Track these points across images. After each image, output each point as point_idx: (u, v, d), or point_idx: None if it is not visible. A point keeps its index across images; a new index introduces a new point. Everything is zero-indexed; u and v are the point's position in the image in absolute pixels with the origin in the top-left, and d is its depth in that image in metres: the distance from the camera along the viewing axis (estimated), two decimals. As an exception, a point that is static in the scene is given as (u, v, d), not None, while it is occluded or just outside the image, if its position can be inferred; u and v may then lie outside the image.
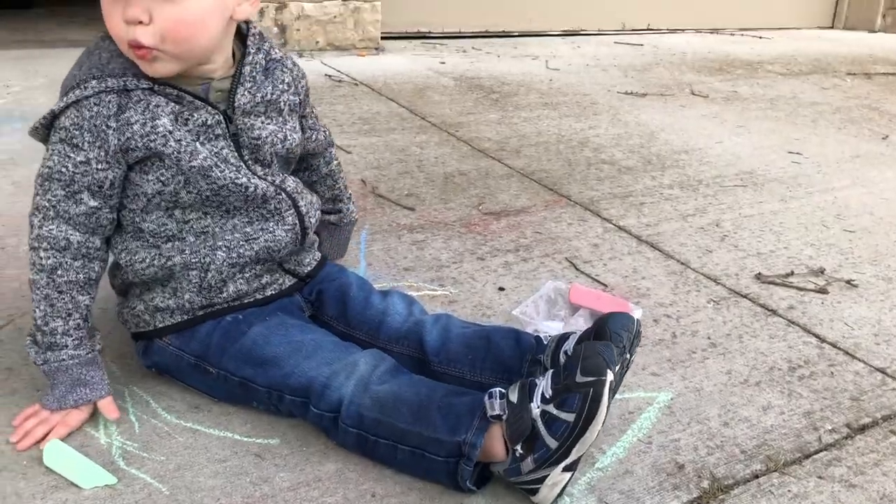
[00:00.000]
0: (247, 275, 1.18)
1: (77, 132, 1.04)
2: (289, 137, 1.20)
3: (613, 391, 0.99)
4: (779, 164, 2.48)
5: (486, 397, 1.02)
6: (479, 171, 2.24)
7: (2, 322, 1.35)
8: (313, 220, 1.25)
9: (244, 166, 1.14)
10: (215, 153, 1.11)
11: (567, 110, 2.97)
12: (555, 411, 0.97)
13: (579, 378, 0.96)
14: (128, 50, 1.04)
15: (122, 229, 1.15)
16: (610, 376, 0.96)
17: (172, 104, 1.07)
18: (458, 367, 1.18)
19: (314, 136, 1.36)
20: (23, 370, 1.22)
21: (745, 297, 1.62)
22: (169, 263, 1.13)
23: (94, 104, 1.03)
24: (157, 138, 1.06)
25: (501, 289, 1.58)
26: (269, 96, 1.17)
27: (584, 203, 2.06)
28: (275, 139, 1.18)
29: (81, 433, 1.10)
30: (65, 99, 1.04)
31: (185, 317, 1.17)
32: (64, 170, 1.04)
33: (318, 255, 1.31)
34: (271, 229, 1.18)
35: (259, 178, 1.16)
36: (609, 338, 1.08)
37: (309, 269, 1.27)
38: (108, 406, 1.12)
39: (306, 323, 1.21)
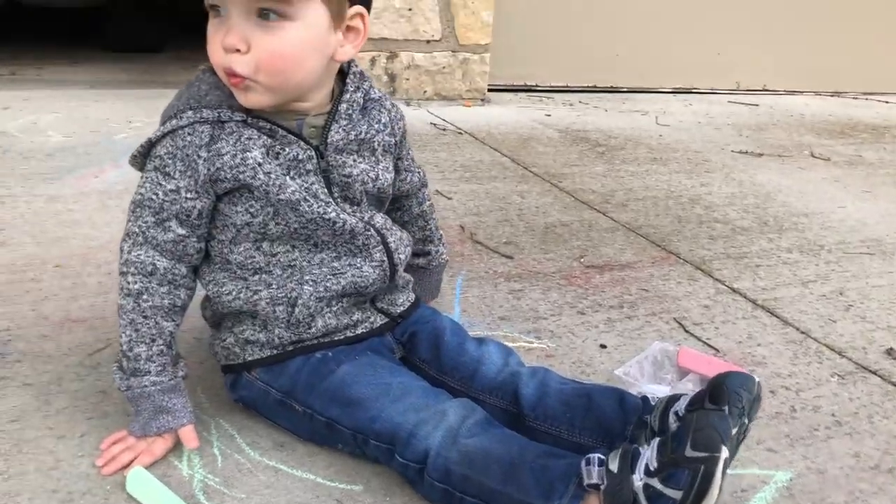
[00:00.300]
0: (334, 308, 1.15)
1: (170, 161, 1.05)
2: (380, 177, 1.18)
3: (727, 464, 0.89)
4: (910, 233, 2.30)
5: (584, 463, 0.94)
6: (581, 222, 2.17)
7: (101, 345, 1.36)
8: (403, 258, 1.22)
9: (333, 202, 1.13)
10: (305, 188, 1.10)
11: (677, 166, 2.87)
12: (659, 486, 0.88)
13: (689, 452, 0.88)
14: (225, 77, 1.05)
15: (210, 260, 1.15)
16: (725, 453, 0.87)
17: (265, 137, 1.07)
18: (556, 425, 1.10)
19: (408, 178, 1.34)
20: (115, 393, 1.22)
21: (874, 373, 1.48)
22: (255, 297, 1.12)
23: (188, 134, 1.04)
24: (247, 170, 1.06)
25: (603, 346, 1.50)
26: (363, 135, 1.15)
27: (695, 262, 1.96)
28: (366, 178, 1.16)
29: (165, 463, 1.08)
30: (161, 128, 1.06)
31: (275, 351, 1.14)
32: (154, 197, 1.06)
33: (412, 296, 1.27)
34: (358, 265, 1.16)
35: (348, 214, 1.14)
36: (727, 398, 0.97)
37: (402, 308, 1.23)
38: (188, 434, 1.10)
39: (396, 365, 1.16)
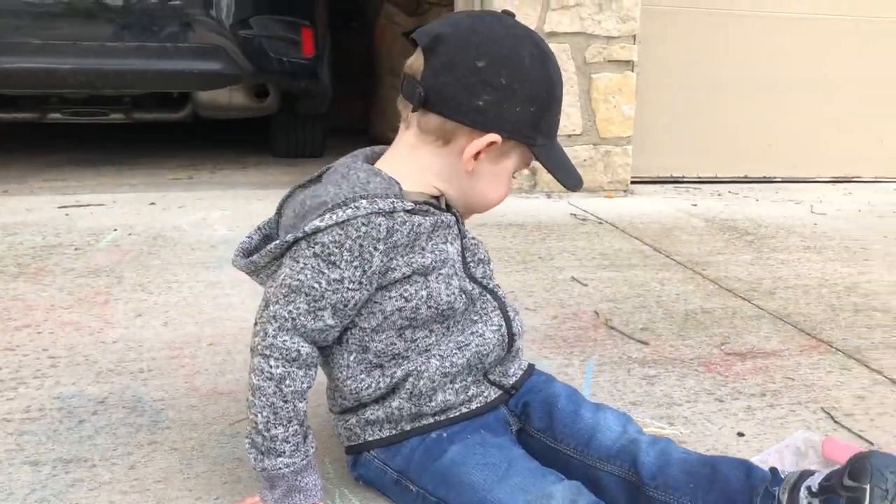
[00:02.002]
0: (456, 386, 1.17)
1: (336, 250, 1.04)
2: None
3: None
4: None
5: None
6: (724, 310, 2.09)
7: (243, 416, 1.44)
8: (520, 327, 1.23)
9: (463, 269, 1.18)
10: (458, 252, 1.17)
11: (833, 255, 2.72)
12: None
13: (846, 482, 0.89)
14: (489, 209, 1.21)
15: (344, 349, 1.15)
16: (884, 483, 0.87)
17: (428, 218, 1.13)
18: (677, 496, 1.06)
19: None
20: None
21: None
22: (392, 381, 1.15)
23: (363, 224, 1.04)
24: (416, 254, 1.11)
25: (741, 434, 1.42)
26: None
27: (849, 351, 1.83)
28: (484, 251, 1.25)
29: (289, 528, 1.12)
30: (332, 217, 1.04)
31: (394, 431, 1.17)
32: (316, 285, 1.05)
33: (524, 363, 1.26)
34: (480, 332, 1.17)
35: (475, 280, 1.19)
36: (869, 476, 0.92)
37: (514, 379, 1.23)
38: None
39: (508, 443, 1.15)
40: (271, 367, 1.07)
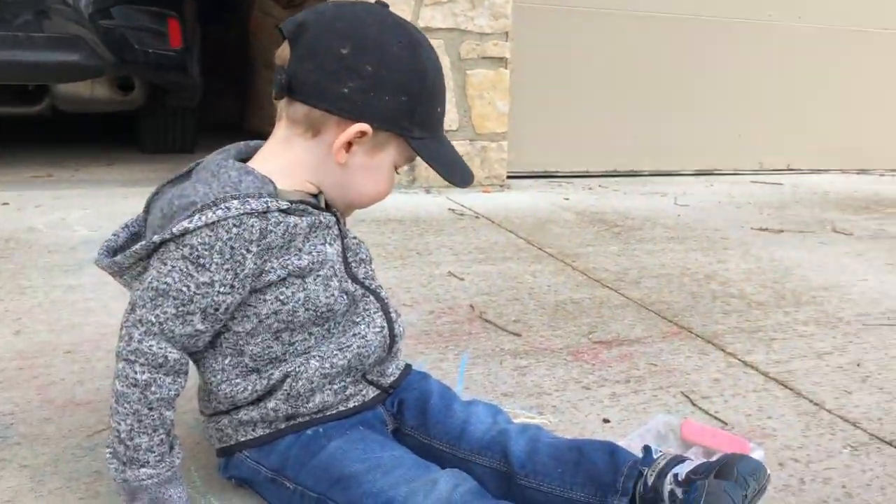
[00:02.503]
0: (335, 387, 1.15)
1: (206, 252, 1.01)
2: None
3: None
4: (933, 304, 2.24)
5: None
6: (592, 300, 2.16)
7: (101, 426, 1.37)
8: (401, 329, 1.22)
9: (344, 270, 1.16)
10: (338, 254, 1.14)
11: (694, 244, 2.86)
12: None
13: (711, 480, 0.90)
14: (369, 205, 1.19)
15: (218, 353, 1.12)
16: (744, 490, 0.89)
17: (304, 218, 1.10)
18: (547, 481, 1.09)
19: None
20: (109, 474, 1.22)
21: (889, 444, 1.42)
22: (269, 382, 1.12)
23: (234, 226, 1.01)
24: (291, 256, 1.08)
25: (606, 420, 1.47)
26: None
27: (707, 336, 1.93)
28: (366, 251, 1.24)
29: (150, 542, 1.07)
30: (202, 218, 1.00)
31: (268, 430, 1.14)
32: (184, 289, 1.01)
33: (401, 363, 1.26)
34: (362, 333, 1.16)
35: (358, 282, 1.17)
36: (734, 479, 0.98)
37: (392, 378, 1.23)
38: None
39: (387, 439, 1.16)
40: (136, 372, 1.02)
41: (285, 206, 1.07)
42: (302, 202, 1.11)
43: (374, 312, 1.18)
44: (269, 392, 1.12)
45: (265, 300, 1.08)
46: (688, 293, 2.27)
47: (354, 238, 1.21)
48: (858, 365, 1.78)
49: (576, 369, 1.69)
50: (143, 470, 1.04)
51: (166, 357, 1.03)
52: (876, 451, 1.39)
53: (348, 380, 1.16)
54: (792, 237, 3.05)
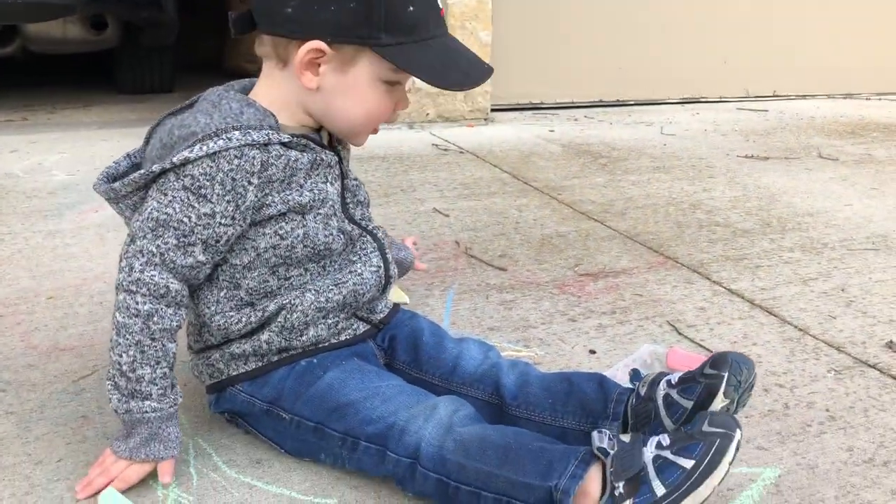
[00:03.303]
0: (329, 321, 1.15)
1: (207, 183, 1.00)
2: None
3: (738, 449, 0.93)
4: (918, 227, 2.25)
5: (595, 432, 0.97)
6: (578, 232, 2.15)
7: (87, 372, 1.36)
8: (394, 272, 1.23)
9: (341, 210, 1.15)
10: (338, 193, 1.13)
11: (680, 174, 2.84)
12: (672, 457, 0.91)
13: (707, 428, 0.92)
14: (369, 128, 1.13)
15: (214, 286, 1.11)
16: (739, 435, 0.92)
17: (306, 154, 1.08)
18: (538, 411, 1.10)
19: None
20: (96, 418, 1.22)
21: (872, 366, 1.43)
22: (264, 315, 1.11)
23: (235, 157, 1.00)
24: (293, 191, 1.06)
25: (593, 351, 1.47)
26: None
27: (693, 265, 1.93)
28: (364, 193, 1.22)
29: (141, 484, 1.07)
30: (202, 148, 0.99)
31: (260, 363, 1.14)
32: (185, 220, 1.00)
33: (390, 302, 1.26)
34: (359, 271, 1.16)
35: (355, 222, 1.17)
36: (728, 366, 1.03)
37: (381, 315, 1.23)
38: (167, 467, 1.07)
39: (382, 370, 1.16)
40: (138, 303, 1.01)
41: (286, 140, 1.05)
42: (304, 136, 1.09)
43: (371, 252, 1.18)
44: (263, 324, 1.12)
45: (264, 234, 1.07)
46: (673, 223, 2.26)
47: (355, 179, 1.19)
48: (843, 290, 1.79)
49: (562, 302, 1.69)
50: (146, 402, 1.04)
51: (168, 287, 1.02)
52: (859, 375, 1.40)
53: (341, 315, 1.16)
54: (778, 164, 3.04)
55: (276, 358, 1.14)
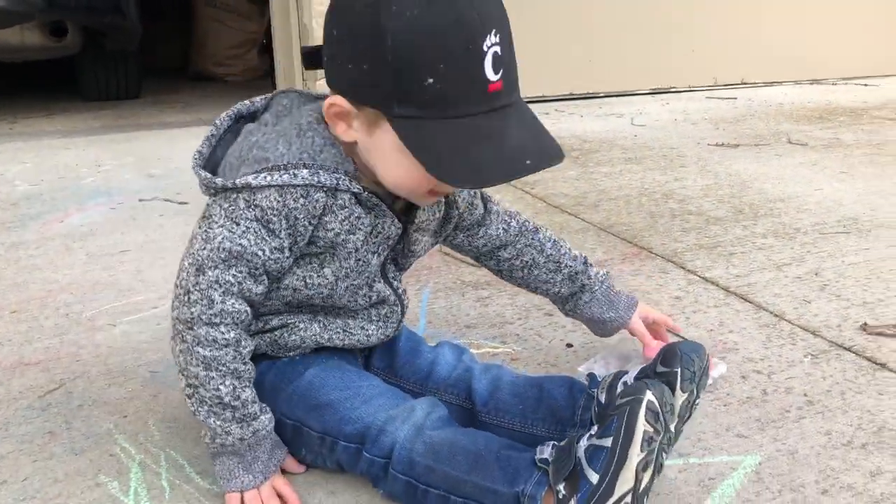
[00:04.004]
0: (317, 349, 1.13)
1: (275, 218, 0.97)
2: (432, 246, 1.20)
3: (655, 408, 0.92)
4: (887, 209, 2.26)
5: (539, 445, 0.96)
6: (552, 226, 2.14)
7: (53, 386, 1.33)
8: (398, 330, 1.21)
9: (380, 274, 1.11)
10: (379, 265, 1.08)
11: (652, 164, 2.84)
12: (596, 441, 0.91)
13: (619, 401, 0.92)
14: (418, 193, 1.00)
15: None
16: (648, 395, 0.90)
17: (371, 215, 1.02)
18: (508, 418, 1.09)
19: (479, 231, 1.26)
20: (64, 434, 1.19)
21: (848, 349, 1.44)
22: (264, 326, 1.09)
23: (301, 197, 0.96)
24: (343, 252, 1.03)
25: (570, 345, 1.46)
26: (440, 213, 1.14)
27: (667, 255, 1.92)
28: (424, 251, 1.17)
29: (109, 498, 1.05)
30: (269, 177, 0.95)
31: None
32: (260, 253, 0.98)
33: None
34: (369, 332, 1.14)
35: (388, 283, 1.13)
36: (679, 360, 1.00)
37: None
38: (290, 463, 1.07)
39: (362, 370, 1.15)
40: (223, 333, 0.98)
41: (357, 190, 0.99)
42: (375, 194, 1.02)
43: (390, 320, 1.16)
44: (258, 333, 1.10)
45: (294, 273, 1.04)
46: (647, 213, 2.26)
47: (412, 252, 1.13)
48: (816, 274, 1.79)
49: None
50: (261, 418, 1.02)
51: (246, 313, 1.00)
52: (836, 358, 1.40)
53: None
54: (748, 151, 3.05)
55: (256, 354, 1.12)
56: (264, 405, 1.05)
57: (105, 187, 2.54)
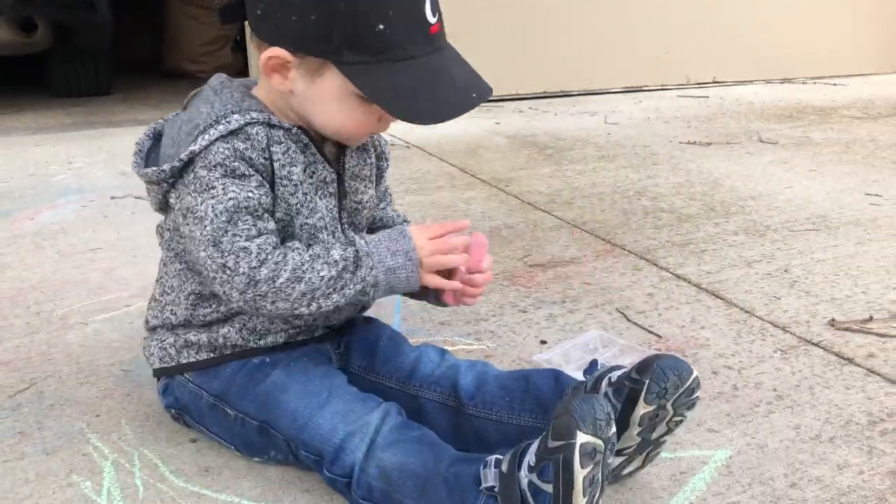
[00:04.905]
0: (291, 331, 1.13)
1: (235, 163, 0.99)
2: (377, 202, 1.22)
3: (595, 449, 0.87)
4: (855, 207, 2.30)
5: (482, 467, 0.94)
6: (526, 223, 2.15)
7: (24, 385, 1.31)
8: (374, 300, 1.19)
9: (339, 230, 1.12)
10: (329, 210, 1.10)
11: (625, 162, 2.87)
12: (537, 481, 0.88)
13: (550, 443, 0.88)
14: (356, 137, 1.08)
15: (195, 271, 1.09)
16: (581, 438, 0.86)
17: (302, 154, 1.06)
18: (496, 409, 1.09)
19: (382, 205, 1.28)
20: (35, 434, 1.18)
21: (816, 345, 1.46)
22: (229, 309, 1.09)
23: (244, 137, 1.00)
24: (289, 185, 1.04)
25: (543, 342, 1.47)
26: (369, 159, 1.17)
27: (640, 252, 1.94)
28: (371, 204, 1.18)
29: (82, 498, 1.04)
30: (207, 136, 0.99)
31: (212, 354, 1.12)
32: (250, 195, 0.99)
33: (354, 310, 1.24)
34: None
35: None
36: (651, 373, 0.97)
37: (342, 322, 1.21)
38: (418, 231, 1.05)
39: (330, 371, 1.13)
40: (275, 257, 0.98)
41: (288, 126, 1.04)
42: (311, 138, 1.06)
43: None
44: (227, 318, 1.10)
45: None
46: (620, 211, 2.28)
47: (358, 203, 1.15)
48: (786, 271, 1.82)
49: (512, 293, 1.69)
50: (357, 243, 1.03)
51: (275, 236, 1.02)
52: (804, 353, 1.43)
53: (302, 326, 1.14)
54: (720, 149, 3.09)
55: (228, 352, 1.12)
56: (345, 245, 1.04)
57: (76, 185, 2.51)
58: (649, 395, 0.96)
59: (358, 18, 0.95)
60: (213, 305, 1.10)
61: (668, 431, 1.01)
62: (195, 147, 0.99)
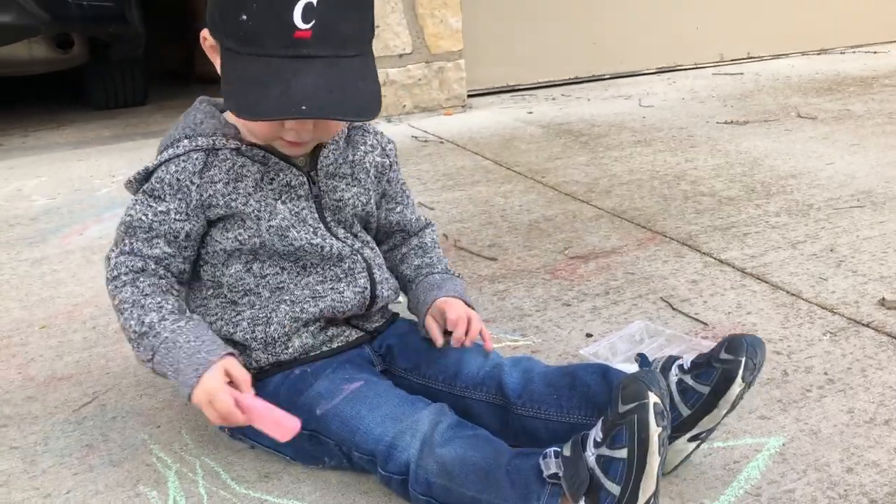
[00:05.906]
0: (312, 328, 1.16)
1: (158, 185, 1.10)
2: (372, 200, 1.23)
3: (664, 412, 0.89)
4: (900, 180, 2.26)
5: (541, 458, 0.95)
6: (565, 214, 2.15)
7: (87, 399, 1.36)
8: (385, 293, 1.22)
9: (322, 227, 1.16)
10: (294, 213, 1.14)
11: (662, 146, 2.85)
12: (608, 452, 0.90)
13: (621, 408, 0.89)
14: (276, 140, 1.10)
15: (201, 285, 1.17)
16: (652, 398, 0.88)
17: (258, 165, 1.12)
18: (544, 408, 1.09)
19: (400, 209, 1.30)
20: (101, 446, 1.22)
21: (867, 325, 1.45)
22: (238, 318, 1.14)
23: (182, 160, 1.10)
24: (238, 197, 1.11)
25: (589, 335, 1.48)
26: (351, 157, 1.20)
27: (682, 238, 1.93)
28: (356, 202, 1.20)
29: (150, 508, 1.08)
30: (159, 158, 1.12)
31: (254, 371, 1.14)
32: (144, 217, 1.10)
33: (387, 313, 1.27)
34: (341, 290, 1.17)
35: (339, 239, 1.17)
36: (744, 350, 0.99)
37: (377, 325, 1.24)
38: (234, 365, 1.03)
39: (373, 375, 1.16)
40: (121, 279, 1.09)
41: (235, 145, 1.11)
42: (266, 150, 1.12)
43: (359, 273, 1.18)
44: (245, 343, 1.14)
45: (227, 237, 1.13)
46: (659, 197, 2.27)
47: (339, 200, 1.18)
48: (832, 250, 1.80)
49: (555, 287, 1.69)
50: (161, 331, 1.05)
51: (145, 265, 1.10)
52: (854, 335, 1.41)
53: (324, 322, 1.17)
54: (757, 127, 3.05)
55: (268, 367, 1.15)
56: (184, 319, 1.07)
57: (120, 198, 2.57)
58: (746, 371, 0.98)
59: (228, 5, 1.03)
60: (228, 317, 1.16)
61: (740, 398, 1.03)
62: (149, 165, 1.12)
